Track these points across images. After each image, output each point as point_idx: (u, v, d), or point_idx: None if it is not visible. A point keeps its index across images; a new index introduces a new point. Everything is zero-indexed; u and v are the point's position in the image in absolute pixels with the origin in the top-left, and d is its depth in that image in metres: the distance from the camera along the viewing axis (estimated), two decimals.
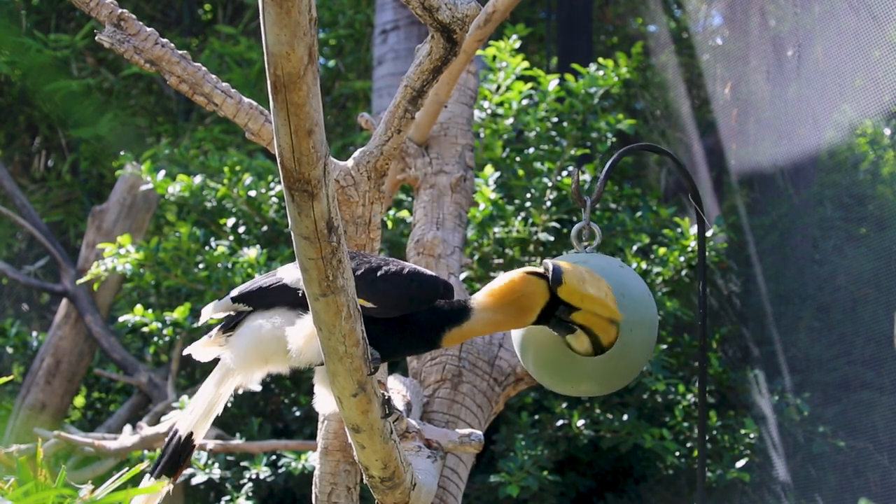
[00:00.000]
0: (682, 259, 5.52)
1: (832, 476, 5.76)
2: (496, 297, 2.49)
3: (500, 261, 5.58)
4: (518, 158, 5.82)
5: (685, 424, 5.40)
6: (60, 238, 9.21)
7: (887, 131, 6.07)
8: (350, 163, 2.82)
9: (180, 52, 2.83)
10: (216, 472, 5.37)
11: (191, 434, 2.67)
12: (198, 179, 5.96)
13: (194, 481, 5.40)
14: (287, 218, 1.96)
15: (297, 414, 5.89)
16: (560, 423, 5.34)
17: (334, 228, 1.98)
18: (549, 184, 5.60)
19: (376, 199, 2.85)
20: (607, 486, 5.84)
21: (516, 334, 2.78)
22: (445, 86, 3.73)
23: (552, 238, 5.53)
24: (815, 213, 6.62)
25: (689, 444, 5.42)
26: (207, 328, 2.73)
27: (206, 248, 5.86)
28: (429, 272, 2.52)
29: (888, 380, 5.50)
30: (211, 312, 2.65)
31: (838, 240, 6.30)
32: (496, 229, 5.53)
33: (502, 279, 2.51)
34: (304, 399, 5.86)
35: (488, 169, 5.44)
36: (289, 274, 2.53)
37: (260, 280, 2.60)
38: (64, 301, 6.92)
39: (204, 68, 2.85)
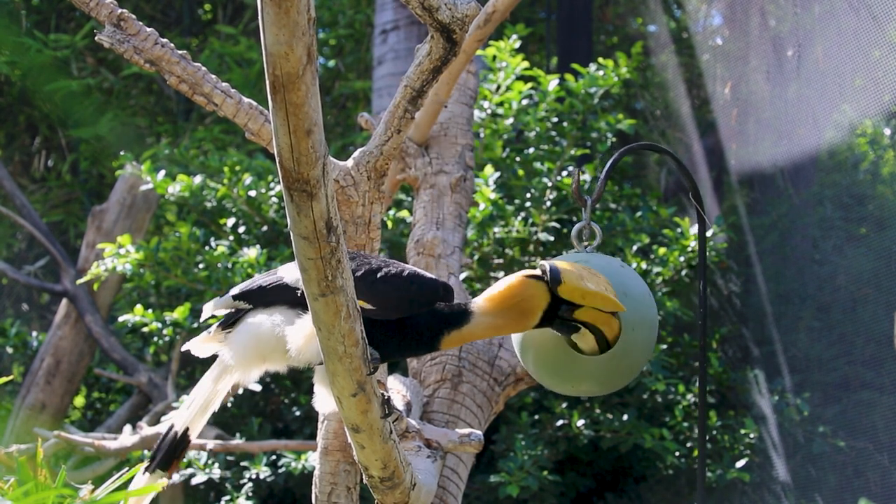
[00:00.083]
0: (682, 259, 5.52)
1: (832, 476, 5.76)
2: (496, 303, 2.49)
3: (500, 261, 5.58)
4: (518, 158, 5.82)
5: (685, 424, 5.40)
6: (60, 238, 9.21)
7: (887, 131, 6.07)
8: (350, 163, 2.82)
9: (180, 52, 2.83)
10: (216, 472, 5.37)
11: (187, 429, 2.67)
12: (198, 179, 5.96)
13: (194, 481, 5.40)
14: (287, 218, 1.96)
15: (297, 414, 5.89)
16: (560, 423, 5.34)
17: (333, 228, 1.98)
18: (549, 184, 5.60)
19: (376, 199, 2.85)
20: (607, 486, 5.84)
21: (516, 335, 2.78)
22: (445, 86, 3.73)
23: (552, 238, 5.53)
24: (815, 213, 6.62)
25: (689, 444, 5.42)
26: (208, 328, 2.72)
27: (206, 248, 5.86)
28: (429, 275, 2.52)
29: (888, 380, 5.50)
30: (211, 309, 2.65)
31: (838, 240, 6.30)
32: (496, 229, 5.53)
33: (501, 284, 2.51)
34: (304, 399, 5.86)
35: (488, 169, 5.44)
36: (289, 273, 2.53)
37: (260, 278, 2.60)
38: (64, 301, 6.92)
39: (204, 68, 2.85)
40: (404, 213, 5.79)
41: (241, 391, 5.76)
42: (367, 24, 9.07)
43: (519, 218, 5.55)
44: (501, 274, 5.56)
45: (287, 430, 5.96)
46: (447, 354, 3.57)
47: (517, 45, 5.74)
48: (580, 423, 5.28)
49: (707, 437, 5.33)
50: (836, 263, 6.26)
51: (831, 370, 6.06)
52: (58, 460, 5.49)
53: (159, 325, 5.64)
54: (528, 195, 5.64)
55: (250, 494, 5.37)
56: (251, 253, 5.54)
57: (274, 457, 5.46)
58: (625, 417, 5.30)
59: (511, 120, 5.79)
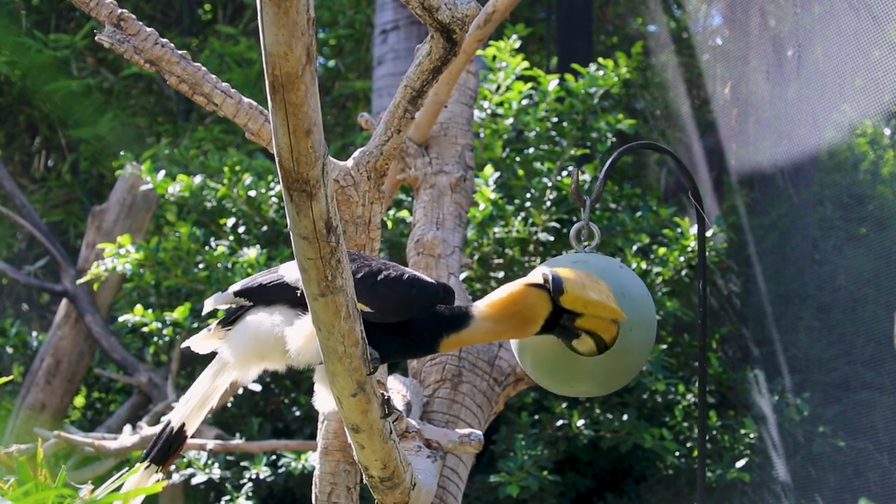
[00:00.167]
0: (682, 259, 5.52)
1: (832, 476, 5.76)
2: (497, 309, 2.49)
3: (500, 261, 5.58)
4: (518, 158, 5.82)
5: (685, 424, 5.40)
6: (60, 238, 9.21)
7: (887, 131, 6.07)
8: (350, 163, 2.82)
9: (180, 52, 2.83)
10: (216, 472, 5.37)
11: (183, 425, 2.67)
12: (198, 179, 5.96)
13: (194, 481, 5.40)
14: (286, 218, 1.96)
15: (297, 414, 5.89)
16: (560, 423, 5.34)
17: (333, 228, 1.98)
18: (549, 184, 5.60)
19: (376, 199, 2.85)
20: (607, 486, 5.83)
21: None
22: (445, 86, 3.73)
23: (552, 238, 5.53)
24: (815, 213, 6.62)
25: (689, 444, 5.42)
26: (208, 327, 2.72)
27: (206, 248, 5.86)
28: (429, 279, 2.51)
29: (888, 380, 5.50)
30: (212, 304, 2.65)
31: (838, 240, 6.29)
32: (496, 229, 5.53)
33: (503, 291, 2.51)
34: (304, 399, 5.86)
35: (488, 169, 5.44)
36: (289, 272, 2.53)
37: (261, 276, 2.60)
38: (64, 301, 6.92)
39: (204, 68, 2.85)
40: (404, 213, 5.79)
41: (241, 391, 5.76)
42: (367, 24, 9.07)
43: (519, 218, 5.55)
44: (501, 274, 5.56)
45: (287, 430, 5.96)
46: (447, 354, 3.57)
47: (517, 45, 5.74)
48: (580, 423, 5.28)
49: (707, 437, 5.33)
50: (836, 263, 6.26)
51: (831, 370, 6.06)
52: (58, 460, 5.49)
53: (159, 325, 5.63)
54: (528, 195, 5.64)
55: (250, 494, 5.37)
56: (251, 253, 5.54)
57: (274, 457, 5.46)
58: (625, 417, 5.30)
59: (511, 120, 5.79)
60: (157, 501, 5.89)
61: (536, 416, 5.44)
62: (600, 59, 5.99)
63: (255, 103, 2.87)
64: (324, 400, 2.59)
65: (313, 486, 2.96)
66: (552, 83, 5.84)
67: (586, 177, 5.65)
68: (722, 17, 7.93)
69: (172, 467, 5.35)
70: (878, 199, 6.10)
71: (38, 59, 8.55)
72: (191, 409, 2.68)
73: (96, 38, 2.80)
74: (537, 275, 2.52)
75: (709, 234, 5.69)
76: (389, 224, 5.79)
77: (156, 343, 5.84)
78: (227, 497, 5.38)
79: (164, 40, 2.82)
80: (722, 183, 7.72)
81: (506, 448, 5.36)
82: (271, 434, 5.82)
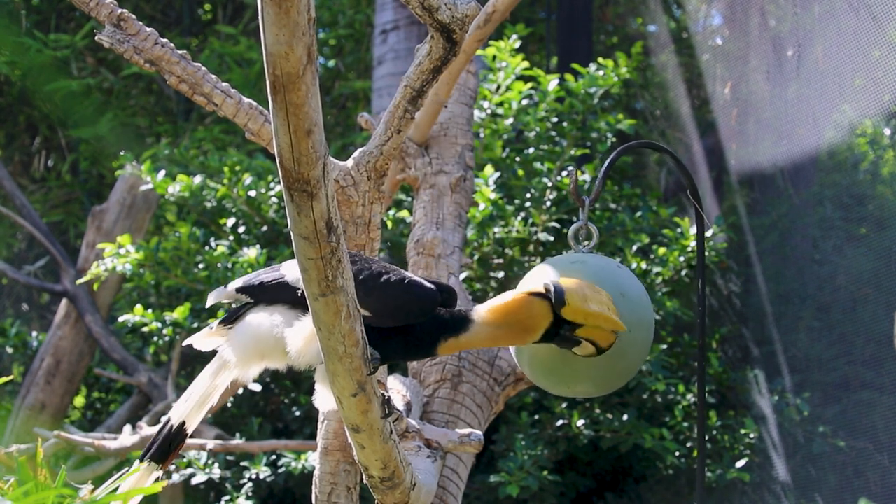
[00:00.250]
0: (681, 259, 5.52)
1: (832, 476, 5.76)
2: (497, 316, 2.50)
3: (500, 261, 5.58)
4: (518, 158, 5.82)
5: (685, 424, 5.40)
6: (60, 238, 9.21)
7: (887, 131, 6.07)
8: (350, 163, 2.82)
9: (180, 52, 2.83)
10: (216, 472, 5.37)
11: (183, 423, 2.67)
12: (198, 179, 5.96)
13: (194, 481, 5.40)
14: (287, 218, 1.96)
15: (297, 414, 5.88)
16: (560, 423, 5.34)
17: (334, 228, 1.98)
18: (549, 184, 5.60)
19: (376, 199, 2.85)
20: (607, 486, 5.83)
21: None
22: (445, 86, 3.72)
23: (552, 238, 5.53)
24: (815, 213, 6.62)
25: (689, 444, 5.42)
26: (209, 326, 2.72)
27: (206, 248, 5.86)
28: (428, 284, 2.51)
29: (888, 380, 5.50)
30: (214, 299, 2.66)
31: (838, 240, 6.29)
32: (496, 229, 5.53)
33: (504, 298, 2.51)
34: (304, 399, 5.86)
35: (488, 169, 5.43)
36: (290, 271, 2.53)
37: (263, 273, 2.60)
38: (64, 301, 6.92)
39: (204, 68, 2.85)
40: (404, 213, 5.78)
41: (241, 391, 5.76)
42: (367, 24, 9.07)
43: (519, 218, 5.55)
44: (501, 274, 5.56)
45: (287, 430, 5.96)
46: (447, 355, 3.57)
47: (517, 45, 5.74)
48: (580, 423, 5.28)
49: (707, 437, 5.33)
50: (836, 263, 6.25)
51: (831, 370, 6.06)
52: (58, 460, 5.49)
53: (159, 325, 5.63)
54: (528, 195, 5.64)
55: (250, 494, 5.37)
56: (251, 253, 5.54)
57: (274, 457, 5.46)
58: (625, 417, 5.30)
59: (511, 120, 5.79)
60: (157, 501, 5.89)
61: (536, 416, 5.44)
62: (600, 59, 5.99)
63: (255, 103, 2.87)
64: (324, 399, 2.59)
65: (313, 486, 2.96)
66: (552, 83, 5.84)
67: (586, 177, 5.65)
68: (722, 17, 7.93)
69: (172, 467, 5.35)
70: (878, 199, 6.10)
71: (38, 59, 8.55)
72: (191, 407, 2.68)
73: (96, 38, 2.80)
74: (539, 284, 2.52)
75: (709, 234, 5.69)
76: (389, 224, 5.79)
77: (156, 343, 5.84)
78: (227, 497, 5.38)
79: (164, 40, 2.82)
80: (722, 183, 7.72)
81: (506, 448, 5.36)
82: (271, 434, 5.82)
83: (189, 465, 5.41)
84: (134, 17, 2.81)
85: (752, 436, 5.40)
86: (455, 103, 4.00)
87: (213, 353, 2.69)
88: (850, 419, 5.83)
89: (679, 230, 5.59)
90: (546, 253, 5.57)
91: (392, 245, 5.81)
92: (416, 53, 2.68)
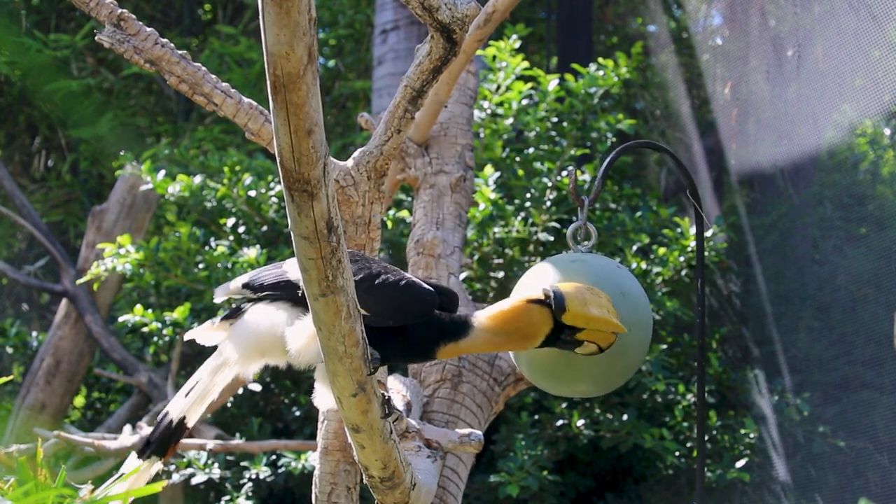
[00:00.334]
0: (681, 259, 5.52)
1: (832, 476, 5.76)
2: (497, 322, 2.50)
3: (500, 261, 5.58)
4: (518, 158, 5.82)
5: (685, 424, 5.40)
6: (60, 238, 9.21)
7: (887, 131, 6.07)
8: (350, 163, 2.82)
9: (180, 52, 2.83)
10: (216, 472, 5.37)
11: (183, 418, 2.67)
12: (198, 179, 5.96)
13: (194, 481, 5.40)
14: (287, 218, 1.96)
15: (297, 414, 5.88)
16: (560, 423, 5.34)
17: (334, 228, 1.98)
18: (549, 184, 5.60)
19: (376, 199, 2.85)
20: (607, 486, 5.83)
21: None
22: (445, 86, 3.73)
23: (552, 238, 5.53)
24: (815, 213, 6.62)
25: (689, 444, 5.42)
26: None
27: (206, 248, 5.86)
28: (427, 286, 2.51)
29: (888, 380, 5.50)
30: (221, 294, 2.67)
31: (838, 240, 6.29)
32: (496, 229, 5.53)
33: (504, 305, 2.51)
34: (304, 399, 5.86)
35: (488, 169, 5.44)
36: (293, 269, 2.54)
37: (267, 270, 2.61)
38: (64, 301, 6.92)
39: (204, 68, 2.85)
40: (404, 213, 5.79)
41: (241, 391, 5.76)
42: (367, 24, 9.07)
43: (519, 218, 5.55)
44: (501, 274, 5.56)
45: (287, 430, 5.96)
46: None
47: (517, 45, 5.73)
48: (580, 423, 5.28)
49: (707, 437, 5.33)
50: (836, 263, 6.25)
51: (831, 370, 6.06)
52: (58, 460, 5.49)
53: (159, 325, 5.63)
54: (528, 195, 5.64)
55: (250, 494, 5.37)
56: (251, 253, 5.54)
57: (274, 457, 5.46)
58: (625, 417, 5.30)
59: (511, 120, 5.79)
60: (157, 501, 5.89)
61: (536, 416, 5.44)
62: (600, 59, 5.99)
63: (255, 103, 2.87)
64: (324, 398, 2.60)
65: (313, 486, 2.96)
66: (552, 83, 5.84)
67: (586, 177, 5.65)
68: (722, 17, 7.93)
69: (172, 467, 5.35)
70: (878, 199, 6.09)
71: (38, 59, 8.55)
72: (191, 402, 2.68)
73: (96, 38, 2.80)
74: (538, 290, 2.52)
75: (709, 234, 5.69)
76: (389, 224, 5.79)
77: (156, 343, 5.84)
78: (227, 497, 5.38)
79: (164, 40, 2.82)
80: (722, 183, 7.72)
81: (506, 448, 5.36)
82: (271, 434, 5.82)
83: (189, 465, 5.40)
84: (134, 17, 2.81)
85: (752, 436, 5.40)
86: (455, 103, 4.00)
87: (213, 350, 2.70)
88: (850, 419, 5.83)
89: (679, 230, 5.59)
90: (546, 253, 5.57)
91: (392, 245, 5.81)
92: (416, 53, 2.68)
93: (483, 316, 2.51)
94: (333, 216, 1.97)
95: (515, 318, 2.50)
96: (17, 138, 9.85)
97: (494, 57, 5.73)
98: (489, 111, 5.76)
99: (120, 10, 2.80)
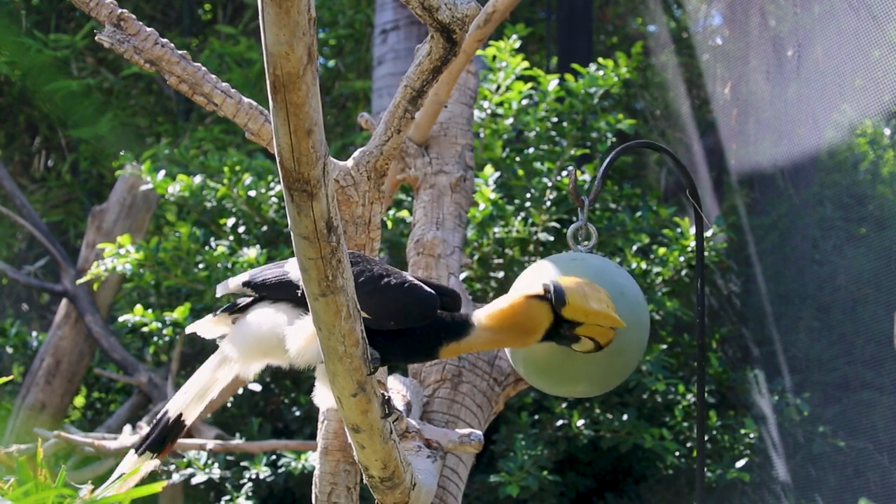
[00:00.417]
0: (681, 259, 5.52)
1: (832, 476, 5.76)
2: (497, 320, 2.51)
3: (500, 261, 5.58)
4: (518, 158, 5.82)
5: (685, 424, 5.40)
6: (60, 238, 9.21)
7: (887, 131, 6.07)
8: (350, 163, 2.82)
9: (180, 52, 2.83)
10: (216, 472, 5.37)
11: (180, 415, 2.67)
12: (198, 179, 5.96)
13: (194, 481, 5.40)
14: (287, 218, 1.96)
15: (297, 414, 5.88)
16: (560, 423, 5.34)
17: (334, 228, 1.98)
18: (549, 184, 5.60)
19: (376, 199, 2.85)
20: (607, 486, 5.83)
21: None
22: (445, 86, 3.73)
23: (552, 238, 5.53)
24: (815, 213, 6.62)
25: (689, 444, 5.42)
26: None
27: (206, 248, 5.86)
28: (428, 289, 2.51)
29: (888, 380, 5.50)
30: (222, 291, 2.66)
31: (838, 240, 6.29)
32: (496, 229, 5.53)
33: (504, 302, 2.52)
34: (304, 399, 5.86)
35: (488, 169, 5.44)
36: (294, 268, 2.54)
37: (268, 269, 2.61)
38: (64, 301, 6.92)
39: (204, 68, 2.85)
40: (404, 213, 5.79)
41: (241, 391, 5.76)
42: (367, 24, 9.07)
43: (519, 218, 5.55)
44: (501, 274, 5.56)
45: (287, 430, 5.96)
46: None
47: (517, 45, 5.73)
48: (580, 423, 5.28)
49: (707, 437, 5.33)
50: (836, 263, 6.25)
51: (831, 370, 6.06)
52: (58, 460, 5.49)
53: (159, 325, 5.63)
54: (528, 195, 5.64)
55: (250, 494, 5.37)
56: (251, 253, 5.54)
57: (274, 457, 5.46)
58: (625, 417, 5.30)
59: (511, 120, 5.79)
60: (157, 501, 5.89)
61: (536, 416, 5.44)
62: (600, 59, 5.99)
63: (255, 103, 2.87)
64: (324, 397, 2.60)
65: (313, 486, 2.96)
66: (552, 83, 5.84)
67: (586, 177, 5.65)
68: (722, 17, 7.93)
69: (172, 467, 5.35)
70: (878, 199, 6.09)
71: (38, 59, 8.55)
72: (189, 399, 2.68)
73: (96, 38, 2.80)
74: (537, 286, 2.53)
75: (709, 234, 5.69)
76: (389, 224, 5.79)
77: (156, 343, 5.84)
78: (227, 497, 5.38)
79: (164, 40, 2.82)
80: (722, 183, 7.72)
81: (506, 448, 5.36)
82: (271, 434, 5.82)
83: (189, 465, 5.40)
84: (134, 17, 2.81)
85: (752, 436, 5.40)
86: (455, 103, 4.00)
87: (213, 350, 2.70)
88: (850, 419, 5.83)
89: (679, 230, 5.59)
90: (546, 253, 5.57)
91: (392, 245, 5.81)
92: (416, 53, 2.68)
93: (483, 314, 2.52)
94: (333, 216, 1.97)
95: (515, 314, 2.50)
96: (17, 138, 9.85)
97: (494, 57, 5.73)
98: (489, 111, 5.76)
99: (120, 10, 2.80)
